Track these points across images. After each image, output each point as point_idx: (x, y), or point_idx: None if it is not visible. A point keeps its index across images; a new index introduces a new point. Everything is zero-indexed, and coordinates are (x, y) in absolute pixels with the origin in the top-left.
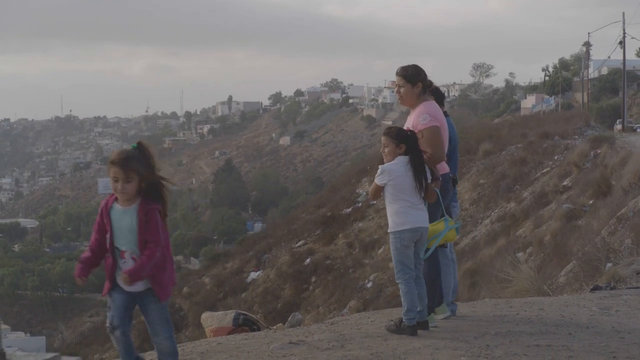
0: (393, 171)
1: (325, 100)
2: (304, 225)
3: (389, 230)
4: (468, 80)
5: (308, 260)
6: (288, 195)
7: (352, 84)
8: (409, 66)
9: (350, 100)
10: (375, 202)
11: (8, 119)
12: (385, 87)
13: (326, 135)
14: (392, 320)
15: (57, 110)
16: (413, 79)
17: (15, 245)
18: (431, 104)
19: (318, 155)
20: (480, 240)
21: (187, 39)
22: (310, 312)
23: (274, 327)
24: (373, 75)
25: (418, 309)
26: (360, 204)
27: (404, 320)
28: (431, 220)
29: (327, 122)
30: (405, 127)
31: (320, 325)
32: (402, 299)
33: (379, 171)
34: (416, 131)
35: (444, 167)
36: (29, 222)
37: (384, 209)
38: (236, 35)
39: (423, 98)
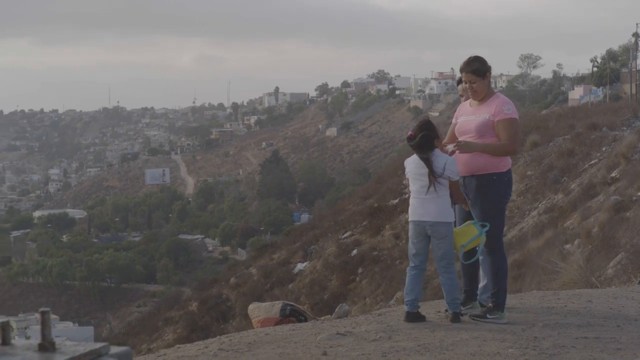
0: (407, 164)
1: (372, 92)
2: (350, 216)
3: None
4: (515, 71)
5: (355, 252)
6: (335, 187)
7: (398, 75)
8: (473, 60)
9: (397, 92)
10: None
11: (56, 110)
12: (432, 79)
13: (373, 127)
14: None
15: (104, 102)
16: (482, 71)
17: (64, 236)
18: (505, 96)
19: (365, 146)
20: (527, 232)
21: (236, 30)
22: (356, 303)
23: (321, 318)
24: (420, 67)
25: (413, 297)
26: (407, 195)
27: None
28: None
29: (374, 113)
30: (475, 118)
31: (367, 316)
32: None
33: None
34: (495, 119)
35: (507, 163)
36: (77, 213)
37: None
38: (286, 26)
39: (491, 89)
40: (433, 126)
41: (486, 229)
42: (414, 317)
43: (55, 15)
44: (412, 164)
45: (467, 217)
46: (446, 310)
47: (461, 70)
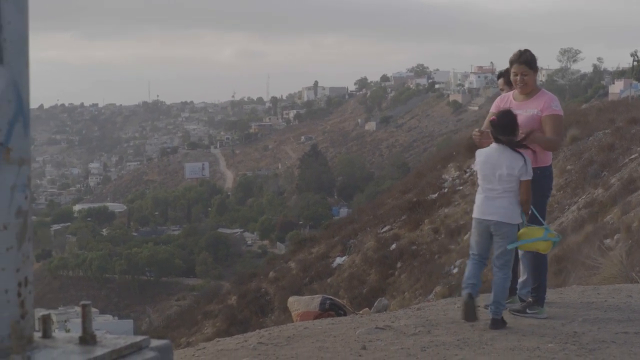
0: (479, 155)
1: (411, 86)
2: (389, 210)
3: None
4: (555, 65)
5: (394, 246)
6: (374, 181)
7: (438, 69)
8: (525, 52)
9: (436, 86)
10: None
11: (96, 104)
12: (471, 72)
13: (412, 121)
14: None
15: (144, 96)
16: (535, 64)
17: (104, 229)
18: (549, 92)
19: (404, 140)
20: (567, 227)
21: (277, 25)
22: (395, 297)
23: (360, 312)
24: (460, 61)
25: (492, 300)
26: (446, 190)
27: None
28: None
29: (413, 108)
30: (522, 112)
31: (406, 310)
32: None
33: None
34: (543, 115)
35: (549, 158)
36: (117, 207)
37: (470, 195)
38: (327, 20)
39: (537, 84)
40: (515, 115)
41: (556, 239)
42: (499, 323)
43: (100, 9)
44: (486, 158)
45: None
46: (486, 306)
47: (512, 62)
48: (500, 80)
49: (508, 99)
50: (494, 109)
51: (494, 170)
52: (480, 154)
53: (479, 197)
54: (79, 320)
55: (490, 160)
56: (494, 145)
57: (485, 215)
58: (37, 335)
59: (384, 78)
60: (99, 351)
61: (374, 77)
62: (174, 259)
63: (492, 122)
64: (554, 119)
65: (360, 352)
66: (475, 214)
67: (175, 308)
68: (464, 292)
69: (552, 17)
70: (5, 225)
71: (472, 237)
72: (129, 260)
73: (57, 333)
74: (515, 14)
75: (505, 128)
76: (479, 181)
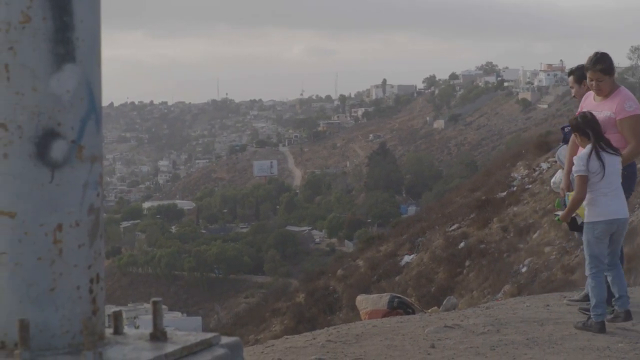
0: (584, 157)
1: (480, 84)
2: (458, 209)
3: (584, 220)
4: (625, 63)
5: (462, 244)
6: (442, 179)
7: (507, 67)
8: (600, 59)
9: (505, 84)
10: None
11: (165, 102)
12: (540, 70)
13: (481, 119)
14: (580, 322)
15: (213, 94)
16: (610, 69)
17: (173, 227)
18: (627, 90)
19: (472, 138)
20: (637, 226)
21: (347, 22)
22: (464, 296)
23: (429, 310)
24: (529, 59)
25: (617, 296)
26: (515, 188)
27: (591, 316)
28: None
29: (482, 106)
30: (598, 114)
31: (475, 309)
32: (589, 294)
33: (575, 162)
34: (618, 118)
35: None
36: (185, 204)
37: (539, 193)
38: (398, 18)
39: (616, 84)
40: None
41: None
42: (626, 316)
43: (171, 7)
44: (608, 161)
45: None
46: (612, 306)
47: (587, 69)
48: (571, 78)
49: (589, 99)
50: (580, 110)
51: (615, 170)
52: (588, 157)
53: (604, 199)
54: (148, 317)
55: (609, 161)
56: (589, 147)
57: (617, 214)
58: (109, 331)
59: (453, 76)
60: (169, 348)
61: (442, 75)
62: (242, 256)
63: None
64: (630, 121)
65: (429, 351)
66: (606, 216)
67: (243, 305)
68: (599, 320)
69: (622, 13)
70: (77, 222)
71: (600, 245)
72: (198, 257)
73: (127, 329)
74: (585, 10)
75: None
76: (598, 183)
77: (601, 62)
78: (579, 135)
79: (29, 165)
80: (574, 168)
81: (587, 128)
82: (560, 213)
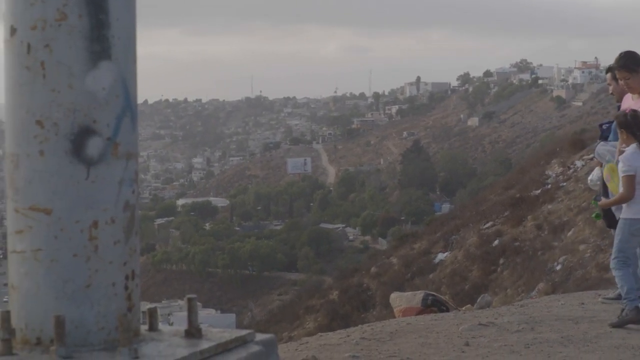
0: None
1: (514, 81)
2: (492, 206)
3: (621, 215)
4: None
5: (496, 242)
6: (476, 177)
7: (541, 65)
8: (622, 57)
9: (540, 81)
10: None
11: (200, 100)
12: (575, 68)
13: (515, 116)
14: (613, 321)
15: (247, 91)
16: (634, 66)
17: (207, 224)
18: None
19: (507, 136)
20: None
21: (382, 20)
22: (498, 294)
23: (463, 308)
24: (563, 56)
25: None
26: (549, 186)
27: (626, 306)
28: None
29: (516, 103)
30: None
31: (509, 307)
32: (618, 285)
33: (621, 162)
34: None
35: None
36: (219, 201)
37: (574, 191)
38: (433, 15)
39: None
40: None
41: None
42: None
43: (207, 5)
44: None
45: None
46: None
47: (612, 69)
48: (608, 75)
49: (628, 98)
50: (622, 107)
51: None
52: (634, 156)
53: None
54: (181, 314)
55: None
56: (633, 146)
57: None
58: (144, 328)
59: (487, 73)
60: (204, 344)
61: (476, 72)
62: (276, 253)
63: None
64: None
65: (463, 349)
66: None
67: (277, 302)
68: (635, 304)
69: None
70: (112, 219)
71: (633, 241)
72: (232, 254)
73: (162, 326)
74: (621, 7)
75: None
76: None
77: (624, 60)
78: (625, 132)
79: (65, 162)
80: (620, 168)
81: (635, 127)
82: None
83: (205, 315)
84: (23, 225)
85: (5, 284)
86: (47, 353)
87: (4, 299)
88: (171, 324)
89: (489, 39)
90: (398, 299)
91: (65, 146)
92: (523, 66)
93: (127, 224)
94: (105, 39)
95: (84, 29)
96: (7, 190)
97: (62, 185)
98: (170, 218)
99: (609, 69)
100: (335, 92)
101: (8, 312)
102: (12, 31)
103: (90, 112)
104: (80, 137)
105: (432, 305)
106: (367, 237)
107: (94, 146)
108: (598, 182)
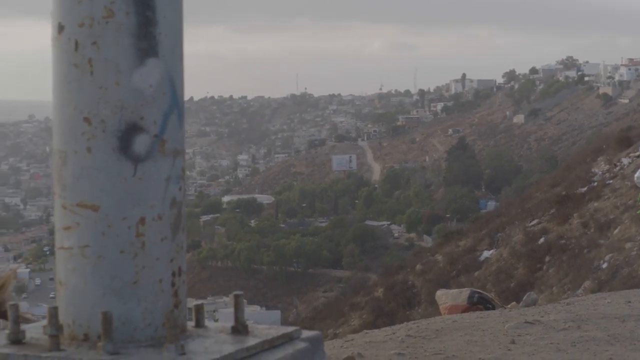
0: None
1: (560, 78)
2: (537, 204)
3: None
4: None
5: (542, 240)
6: (522, 174)
7: (587, 62)
8: None
9: (586, 78)
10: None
11: (245, 97)
12: (621, 65)
13: (561, 114)
14: None
15: (292, 88)
16: None
17: (252, 221)
18: None
19: (552, 133)
20: None
21: (429, 17)
22: (543, 292)
23: (509, 306)
24: (610, 52)
25: None
26: (595, 183)
27: None
28: None
29: (562, 100)
30: None
31: (555, 305)
32: None
33: None
34: None
35: None
36: (264, 198)
37: (620, 188)
38: (480, 12)
39: None
40: None
41: None
42: None
43: (253, 2)
44: None
45: None
46: None
47: None
48: None
49: None
50: None
51: None
52: None
53: None
54: (227, 311)
55: None
56: None
57: None
58: (190, 324)
59: (533, 70)
60: (251, 341)
61: (522, 69)
62: (321, 250)
63: None
64: None
65: (509, 347)
66: None
67: (322, 299)
68: None
69: None
70: (160, 215)
71: None
72: (277, 251)
73: (209, 323)
74: None
75: None
76: None
77: None
78: None
79: (112, 159)
80: None
81: None
82: None
83: (251, 312)
84: (71, 222)
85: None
86: (94, 349)
87: (51, 295)
88: (216, 321)
89: (535, 35)
90: (444, 297)
91: (113, 143)
92: (569, 63)
93: (174, 220)
94: (152, 36)
95: (131, 26)
96: (54, 186)
97: (110, 182)
98: (216, 215)
99: None
100: (381, 89)
101: (56, 308)
102: (60, 28)
103: (137, 109)
104: (127, 134)
105: (478, 303)
106: (412, 235)
107: (141, 143)
108: None
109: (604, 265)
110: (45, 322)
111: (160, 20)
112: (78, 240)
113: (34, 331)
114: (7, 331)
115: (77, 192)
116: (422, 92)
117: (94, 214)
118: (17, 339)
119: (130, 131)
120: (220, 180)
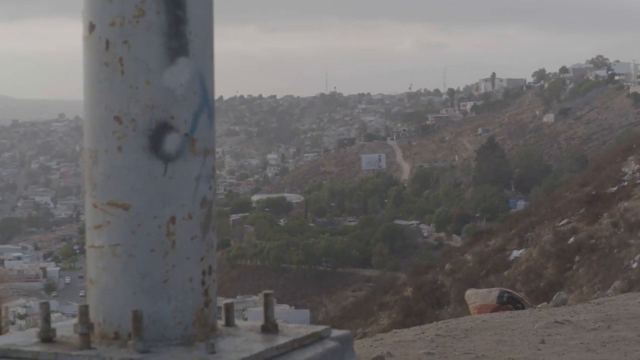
0: None
1: (591, 77)
2: (567, 203)
3: None
4: None
5: (572, 239)
6: (551, 173)
7: (618, 61)
8: None
9: (616, 77)
10: None
11: (274, 96)
12: None
13: (591, 113)
14: None
15: (322, 87)
16: None
17: (281, 220)
18: None
19: (582, 133)
20: None
21: (458, 16)
22: (573, 291)
23: (538, 305)
24: None
25: None
26: (626, 183)
27: None
28: None
29: (592, 100)
30: None
31: (585, 305)
32: None
33: None
34: None
35: None
36: (294, 197)
37: None
38: (510, 11)
39: None
40: None
41: None
42: None
43: (283, 1)
44: None
45: None
46: None
47: None
48: None
49: None
50: None
51: None
52: None
53: None
54: (256, 309)
55: None
56: None
57: None
58: (220, 323)
59: (563, 70)
60: (280, 340)
61: (552, 68)
62: (350, 249)
63: None
64: None
65: (539, 346)
66: None
67: (351, 299)
68: None
69: None
70: (190, 214)
71: None
72: (306, 250)
73: (239, 321)
74: None
75: None
76: None
77: None
78: None
79: (143, 158)
80: None
81: None
82: None
83: (280, 310)
84: (101, 221)
85: (80, 277)
86: (124, 347)
87: (81, 294)
88: (246, 320)
89: (565, 35)
90: (473, 296)
91: (143, 142)
92: (599, 62)
93: (204, 219)
94: (182, 36)
95: (162, 26)
96: (85, 185)
97: (140, 181)
98: (245, 214)
99: None
100: (410, 88)
101: (86, 307)
102: (91, 27)
103: (167, 108)
104: (157, 133)
105: (508, 303)
106: (442, 234)
107: (171, 142)
108: None
109: (634, 265)
110: (75, 320)
111: (191, 19)
112: (109, 239)
113: (65, 329)
114: (37, 329)
115: (107, 191)
116: (451, 91)
117: (124, 213)
118: (47, 337)
119: (160, 130)
120: (249, 179)
